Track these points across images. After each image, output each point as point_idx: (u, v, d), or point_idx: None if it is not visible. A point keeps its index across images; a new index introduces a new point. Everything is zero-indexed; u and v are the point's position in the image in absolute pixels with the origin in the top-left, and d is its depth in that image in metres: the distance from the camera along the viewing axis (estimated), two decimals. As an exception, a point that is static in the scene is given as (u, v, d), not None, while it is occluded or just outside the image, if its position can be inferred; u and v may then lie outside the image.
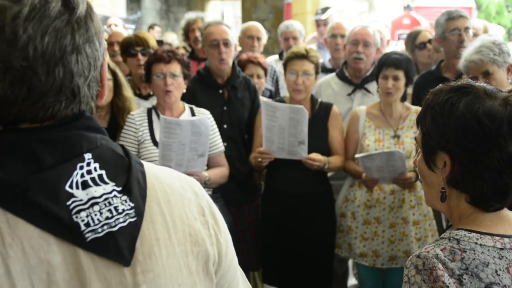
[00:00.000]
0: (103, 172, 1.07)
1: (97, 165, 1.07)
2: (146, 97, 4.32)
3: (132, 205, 1.08)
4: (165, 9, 15.85)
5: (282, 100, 4.14)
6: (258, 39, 5.47)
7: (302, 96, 3.94)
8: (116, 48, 5.33)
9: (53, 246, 1.00)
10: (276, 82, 5.52)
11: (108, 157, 1.09)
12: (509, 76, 3.60)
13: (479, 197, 1.57)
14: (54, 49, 1.01)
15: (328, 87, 4.53)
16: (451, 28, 4.42)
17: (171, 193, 1.16)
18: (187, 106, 3.73)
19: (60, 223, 1.00)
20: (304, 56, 3.93)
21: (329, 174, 4.09)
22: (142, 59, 4.27)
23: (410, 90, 4.33)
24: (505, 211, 1.61)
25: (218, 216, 1.23)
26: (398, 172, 3.69)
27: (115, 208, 1.06)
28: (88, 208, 1.03)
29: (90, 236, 1.02)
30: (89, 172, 1.05)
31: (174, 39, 7.76)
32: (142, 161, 1.18)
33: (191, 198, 1.19)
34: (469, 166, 1.55)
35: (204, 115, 3.66)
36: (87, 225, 1.02)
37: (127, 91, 3.72)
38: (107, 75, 3.51)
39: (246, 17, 16.40)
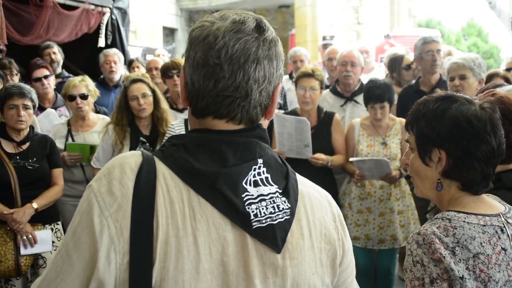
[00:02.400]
0: (268, 175, 1.10)
1: (265, 169, 1.10)
2: (182, 110, 4.31)
3: (289, 205, 1.10)
4: (193, 41, 15.87)
5: (294, 111, 4.12)
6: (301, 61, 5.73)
7: (310, 107, 3.94)
8: (154, 72, 5.37)
9: (229, 226, 1.03)
10: (284, 97, 5.51)
11: (272, 164, 1.12)
12: (478, 87, 3.58)
13: (470, 183, 1.57)
14: (240, 55, 1.05)
15: (324, 100, 4.51)
16: (426, 50, 4.43)
17: (313, 199, 1.17)
18: None
19: (236, 211, 1.03)
20: (310, 74, 3.93)
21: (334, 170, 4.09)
22: (177, 79, 4.27)
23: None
24: (483, 195, 1.62)
25: (344, 224, 1.23)
26: (384, 173, 3.69)
27: (277, 206, 1.08)
28: (257, 202, 1.06)
29: (256, 225, 1.05)
30: (259, 174, 1.08)
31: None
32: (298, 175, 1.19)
33: (326, 206, 1.20)
34: (463, 159, 1.55)
35: None
36: (255, 215, 1.05)
37: (164, 104, 3.71)
38: (147, 92, 3.51)
39: (257, 46, 16.53)
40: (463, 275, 1.41)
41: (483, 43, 33.79)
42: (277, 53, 1.11)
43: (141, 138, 3.61)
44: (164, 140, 3.57)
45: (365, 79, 4.93)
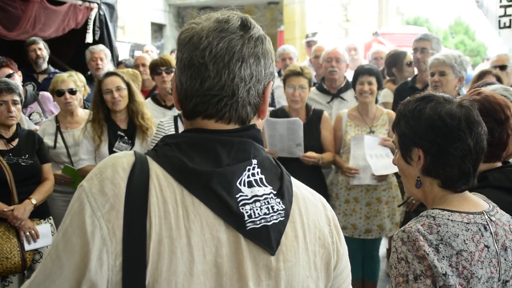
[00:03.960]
0: (263, 176, 1.08)
1: (259, 170, 1.08)
2: (170, 107, 4.31)
3: (284, 207, 1.09)
4: (182, 37, 15.81)
5: (283, 109, 4.13)
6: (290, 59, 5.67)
7: (299, 105, 3.96)
8: (142, 68, 5.36)
9: (223, 227, 1.02)
10: (272, 94, 5.52)
11: (267, 165, 1.11)
12: (458, 85, 3.63)
13: (448, 181, 1.60)
14: (225, 53, 1.05)
15: (310, 98, 4.54)
16: (414, 47, 4.56)
17: (308, 202, 1.16)
18: None
19: (229, 211, 1.02)
20: (299, 73, 3.94)
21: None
22: (166, 76, 4.26)
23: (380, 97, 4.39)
24: (467, 193, 1.65)
25: (339, 228, 1.22)
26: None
27: (272, 207, 1.07)
28: (251, 203, 1.05)
29: (250, 226, 1.03)
30: (253, 174, 1.07)
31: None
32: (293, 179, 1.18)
33: (321, 209, 1.19)
34: (438, 156, 1.58)
35: None
36: (250, 216, 1.04)
37: (139, 97, 3.70)
38: (122, 85, 3.51)
39: (246, 43, 16.49)
40: (446, 272, 1.44)
41: (470, 41, 34.06)
42: (265, 51, 1.10)
43: (119, 132, 3.61)
44: (142, 133, 3.59)
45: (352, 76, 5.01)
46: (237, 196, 1.04)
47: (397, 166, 1.74)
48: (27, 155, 3.32)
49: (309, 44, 6.89)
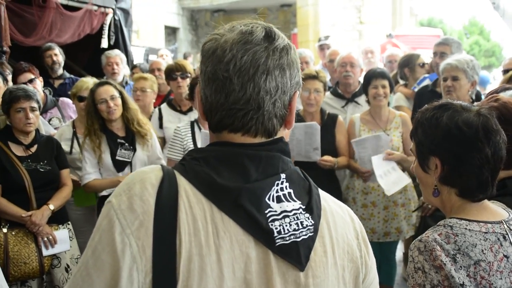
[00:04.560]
0: (291, 190, 1.07)
1: (287, 184, 1.07)
2: (185, 112, 4.33)
3: (313, 222, 1.07)
4: (196, 40, 15.90)
5: (297, 113, 4.12)
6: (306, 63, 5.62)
7: (314, 109, 3.95)
8: (157, 73, 5.39)
9: (252, 244, 1.01)
10: None
11: (295, 179, 1.09)
12: (470, 90, 3.61)
13: (466, 190, 1.59)
14: (249, 66, 1.03)
15: (324, 102, 4.54)
16: (434, 51, 4.60)
17: (336, 216, 1.15)
18: None
19: (259, 227, 1.01)
20: (315, 76, 3.94)
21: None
22: (181, 81, 4.29)
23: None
24: (486, 202, 1.63)
25: (367, 240, 1.20)
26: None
27: (301, 222, 1.06)
28: (280, 219, 1.04)
29: (279, 242, 1.02)
30: (282, 189, 1.06)
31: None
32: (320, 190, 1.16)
33: (349, 222, 1.17)
34: (455, 165, 1.57)
35: None
36: (279, 232, 1.03)
37: (132, 104, 3.69)
38: (115, 94, 3.50)
39: (259, 45, 16.49)
40: (463, 282, 1.43)
41: (485, 41, 33.73)
42: (291, 62, 1.08)
43: (119, 140, 3.58)
44: (141, 138, 3.58)
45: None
46: (266, 211, 1.03)
47: (415, 174, 1.74)
48: (45, 161, 3.36)
49: (322, 47, 6.88)
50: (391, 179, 3.71)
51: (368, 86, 3.96)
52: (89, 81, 4.06)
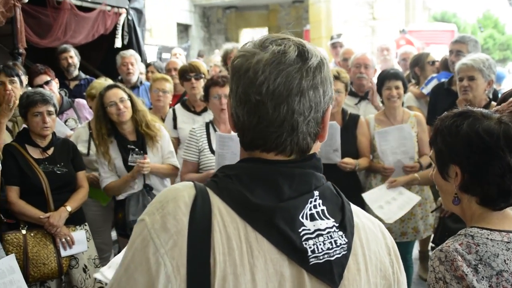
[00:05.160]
0: (324, 208, 1.06)
1: (320, 201, 1.06)
2: (199, 113, 4.34)
3: (346, 240, 1.07)
4: (208, 37, 15.91)
5: None
6: None
7: (335, 110, 3.91)
8: (174, 73, 5.40)
9: (286, 262, 1.01)
10: None
11: (328, 195, 1.08)
12: (487, 89, 3.58)
13: (487, 198, 1.58)
14: (282, 89, 1.01)
15: None
16: (449, 49, 4.59)
17: (369, 232, 1.14)
18: None
19: (293, 247, 1.01)
20: (336, 77, 3.90)
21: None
22: (195, 82, 4.30)
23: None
24: (508, 210, 1.61)
25: (399, 255, 1.19)
26: (408, 155, 3.71)
27: (335, 241, 1.05)
28: (314, 237, 1.03)
29: (313, 261, 1.02)
30: (315, 206, 1.05)
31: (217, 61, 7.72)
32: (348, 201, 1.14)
33: (381, 238, 1.16)
34: (476, 174, 1.56)
35: None
36: (313, 251, 1.02)
37: (141, 106, 3.69)
38: (124, 96, 3.51)
39: (271, 42, 16.46)
40: (486, 293, 1.42)
41: (500, 35, 33.33)
42: (324, 78, 1.06)
43: (129, 146, 3.58)
44: (151, 140, 3.59)
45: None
46: (300, 230, 1.02)
47: (434, 181, 1.72)
48: (62, 163, 3.40)
49: (334, 45, 6.86)
50: (396, 205, 3.68)
51: (382, 87, 3.94)
52: (106, 82, 4.09)
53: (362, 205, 3.94)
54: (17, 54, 5.08)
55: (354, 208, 1.14)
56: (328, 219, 1.06)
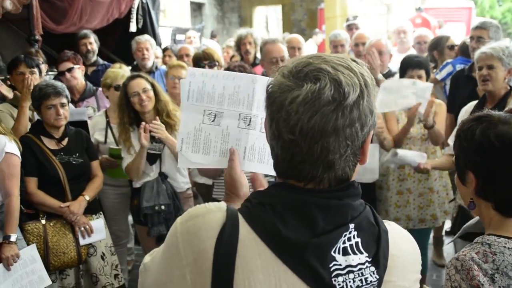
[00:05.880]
0: (359, 240, 1.02)
1: (356, 233, 1.02)
2: (212, 101, 4.31)
3: (378, 277, 1.04)
4: (221, 15, 15.76)
5: None
6: (299, 49, 5.31)
7: None
8: (186, 59, 5.37)
9: None
10: None
11: (364, 226, 1.04)
12: (507, 77, 3.51)
13: (501, 205, 1.56)
14: (316, 130, 0.98)
15: None
16: (470, 36, 4.45)
17: (405, 261, 1.10)
18: None
19: (321, 282, 0.99)
20: None
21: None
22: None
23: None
24: None
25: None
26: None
27: (365, 279, 1.02)
28: (344, 274, 1.00)
29: None
30: (349, 239, 1.02)
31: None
32: (385, 224, 1.10)
33: (416, 264, 1.13)
34: (488, 179, 1.55)
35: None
36: None
37: (164, 96, 3.68)
38: (147, 86, 3.51)
39: (285, 19, 16.22)
40: (502, 304, 1.41)
41: (519, 9, 32.43)
42: (362, 112, 1.00)
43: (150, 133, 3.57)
44: (170, 129, 3.52)
45: (401, 59, 4.95)
46: (330, 265, 0.99)
47: (457, 185, 1.71)
48: (77, 154, 3.43)
49: (350, 27, 6.76)
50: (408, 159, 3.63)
51: (404, 75, 3.87)
52: (120, 70, 4.08)
53: (373, 191, 3.95)
54: (34, 40, 5.10)
55: (392, 233, 1.09)
56: (361, 253, 1.02)
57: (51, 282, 3.15)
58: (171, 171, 3.67)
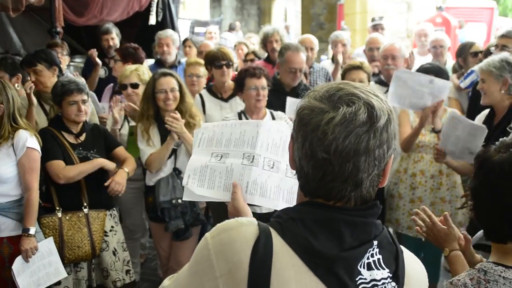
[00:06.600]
0: (380, 256, 1.10)
1: (378, 250, 1.10)
2: (226, 100, 4.37)
3: None
4: (240, 6, 15.77)
5: None
6: (311, 49, 5.35)
7: None
8: (205, 54, 5.44)
9: None
10: (329, 81, 5.40)
11: (385, 244, 1.12)
12: (503, 88, 3.47)
13: (489, 231, 1.65)
14: (350, 149, 1.05)
15: None
16: (495, 44, 4.51)
17: (417, 280, 1.19)
18: (267, 110, 3.78)
19: None
20: (359, 67, 3.96)
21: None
22: (227, 71, 4.32)
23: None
24: None
25: None
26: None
27: None
28: (370, 287, 1.08)
29: None
30: (372, 255, 1.09)
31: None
32: (401, 246, 1.18)
33: (425, 281, 1.21)
34: (481, 206, 1.64)
35: (282, 119, 3.71)
36: None
37: (189, 98, 3.76)
38: (175, 86, 3.58)
39: (304, 12, 16.11)
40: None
41: (544, 8, 31.81)
42: (389, 135, 1.09)
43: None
44: (189, 128, 3.53)
45: (421, 62, 5.00)
46: (357, 279, 1.06)
47: None
48: (95, 149, 3.51)
49: (376, 27, 6.75)
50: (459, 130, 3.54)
51: None
52: (129, 67, 4.16)
53: (383, 199, 3.99)
54: (55, 32, 5.22)
55: (406, 255, 1.18)
56: (383, 269, 1.10)
57: (66, 275, 3.25)
58: (184, 167, 3.72)
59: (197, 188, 1.66)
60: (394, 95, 3.75)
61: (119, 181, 3.45)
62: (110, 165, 3.49)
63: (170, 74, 3.69)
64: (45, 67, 3.98)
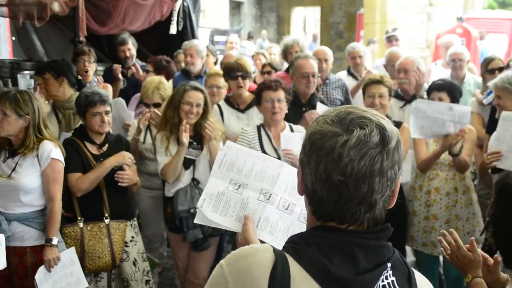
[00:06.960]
0: (394, 278, 1.12)
1: (391, 272, 1.12)
2: (243, 111, 4.40)
3: None
4: (259, 14, 15.84)
5: None
6: (325, 60, 5.34)
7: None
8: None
9: None
10: (346, 92, 5.36)
11: (397, 266, 1.14)
12: None
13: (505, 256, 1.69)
14: (366, 171, 1.07)
15: None
16: None
17: None
18: (287, 124, 3.79)
19: None
20: (379, 81, 3.94)
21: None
22: (242, 82, 4.34)
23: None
24: None
25: None
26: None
27: None
28: None
29: None
30: (386, 277, 1.10)
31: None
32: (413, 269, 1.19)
33: None
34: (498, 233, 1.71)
35: (302, 132, 3.71)
36: None
37: (212, 115, 3.81)
38: (201, 103, 3.62)
39: (324, 21, 16.14)
40: None
41: None
42: (399, 156, 1.12)
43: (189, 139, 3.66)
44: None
45: (445, 74, 5.10)
46: None
47: None
48: None
49: (390, 39, 6.74)
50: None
51: (429, 98, 3.94)
52: (152, 84, 4.23)
53: (405, 216, 3.97)
54: (78, 42, 5.29)
55: (417, 276, 1.19)
56: None
57: (87, 285, 3.28)
58: (203, 177, 3.75)
59: (211, 213, 1.71)
60: (416, 126, 3.74)
61: (129, 173, 3.47)
62: (120, 159, 3.48)
63: (201, 90, 3.73)
64: (52, 76, 4.11)
